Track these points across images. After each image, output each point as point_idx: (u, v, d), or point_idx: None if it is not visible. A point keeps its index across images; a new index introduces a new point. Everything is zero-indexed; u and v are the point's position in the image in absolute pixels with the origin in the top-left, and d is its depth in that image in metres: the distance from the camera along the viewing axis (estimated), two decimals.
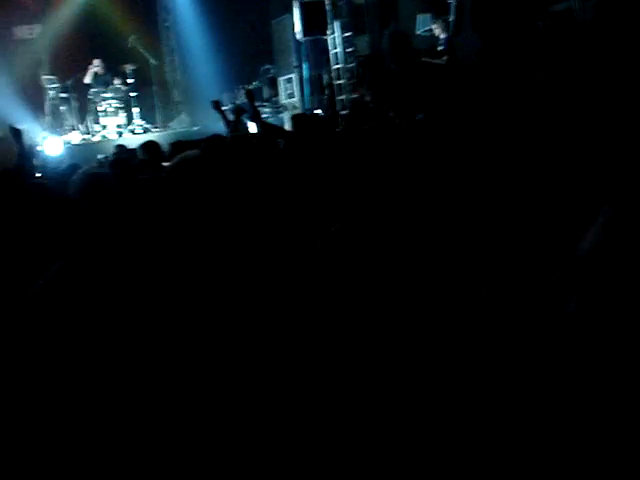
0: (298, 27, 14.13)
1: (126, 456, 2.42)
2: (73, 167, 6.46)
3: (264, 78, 16.55)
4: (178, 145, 6.72)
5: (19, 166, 5.95)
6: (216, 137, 5.76)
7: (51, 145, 14.20)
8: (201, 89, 16.32)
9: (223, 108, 7.61)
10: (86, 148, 14.60)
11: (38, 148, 12.62)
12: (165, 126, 17.15)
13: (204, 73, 16.67)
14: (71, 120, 16.02)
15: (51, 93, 15.96)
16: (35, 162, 8.05)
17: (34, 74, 16.47)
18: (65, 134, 15.66)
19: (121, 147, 9.47)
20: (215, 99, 7.54)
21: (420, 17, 12.09)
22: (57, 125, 15.94)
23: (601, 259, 1.55)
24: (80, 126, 15.97)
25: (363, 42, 14.61)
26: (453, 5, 11.35)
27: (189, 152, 3.56)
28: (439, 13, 11.38)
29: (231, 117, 7.16)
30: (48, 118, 16.02)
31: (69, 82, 15.89)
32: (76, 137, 15.73)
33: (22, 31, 17.20)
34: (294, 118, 7.02)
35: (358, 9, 14.60)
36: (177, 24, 18.08)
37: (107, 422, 2.47)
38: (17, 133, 6.40)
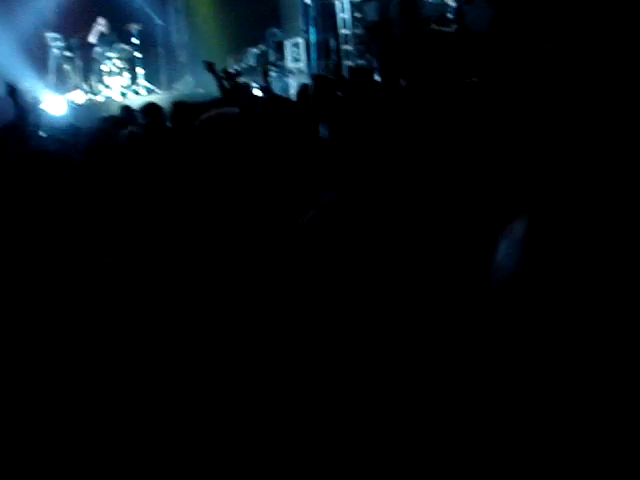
0: None
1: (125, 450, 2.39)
2: (73, 128, 6.37)
3: (270, 41, 16.39)
4: (180, 106, 6.56)
5: (14, 125, 5.88)
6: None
7: (54, 104, 14.12)
8: (207, 51, 16.15)
9: (229, 70, 7.47)
10: (90, 108, 14.48)
11: (41, 106, 12.51)
12: (170, 88, 17.03)
13: (210, 35, 16.51)
14: (75, 79, 15.91)
15: (55, 51, 15.83)
16: (37, 121, 7.97)
17: (38, 32, 16.35)
18: (69, 93, 15.56)
19: (127, 109, 9.33)
20: (209, 60, 7.30)
21: None
22: (61, 84, 15.83)
23: (517, 280, 1.49)
24: (84, 85, 15.86)
25: (372, 8, 14.42)
26: None
27: (225, 109, 3.39)
28: None
29: (226, 84, 6.96)
30: (52, 77, 15.91)
31: (73, 40, 15.77)
32: (80, 97, 15.63)
33: None
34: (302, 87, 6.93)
35: None
36: None
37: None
38: (12, 91, 6.31)
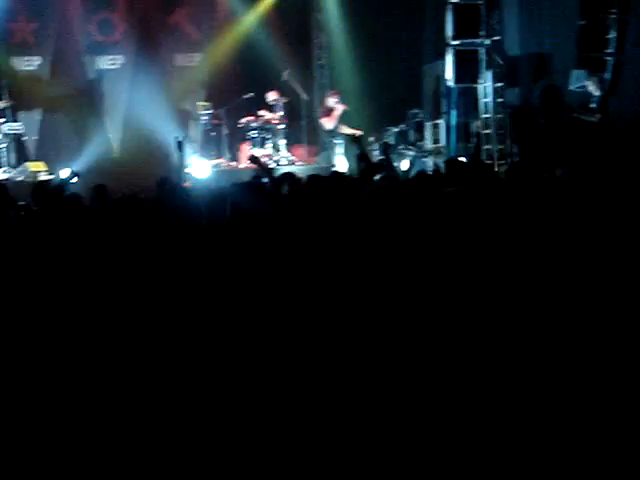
0: (450, 74, 14.21)
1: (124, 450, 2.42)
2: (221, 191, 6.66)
3: (411, 122, 16.64)
4: (314, 178, 6.82)
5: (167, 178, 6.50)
6: None
7: (199, 168, 14.79)
8: (348, 127, 16.52)
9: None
10: (231, 173, 14.99)
11: (186, 170, 13.07)
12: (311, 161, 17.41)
13: (353, 113, 16.87)
14: (220, 146, 16.55)
15: (204, 119, 16.59)
16: (184, 182, 8.55)
17: (188, 100, 17.43)
18: (213, 159, 16.19)
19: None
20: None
21: (575, 72, 11.93)
22: (207, 149, 16.52)
23: None
24: (227, 152, 16.47)
25: (514, 94, 14.54)
26: (610, 63, 11.17)
27: None
28: (595, 70, 11.23)
29: (380, 155, 7.19)
30: (199, 142, 16.67)
31: (222, 110, 16.47)
32: (223, 162, 16.24)
33: (183, 58, 18.17)
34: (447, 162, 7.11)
35: (511, 60, 14.58)
36: (331, 63, 18.47)
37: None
38: (180, 145, 7.19)
